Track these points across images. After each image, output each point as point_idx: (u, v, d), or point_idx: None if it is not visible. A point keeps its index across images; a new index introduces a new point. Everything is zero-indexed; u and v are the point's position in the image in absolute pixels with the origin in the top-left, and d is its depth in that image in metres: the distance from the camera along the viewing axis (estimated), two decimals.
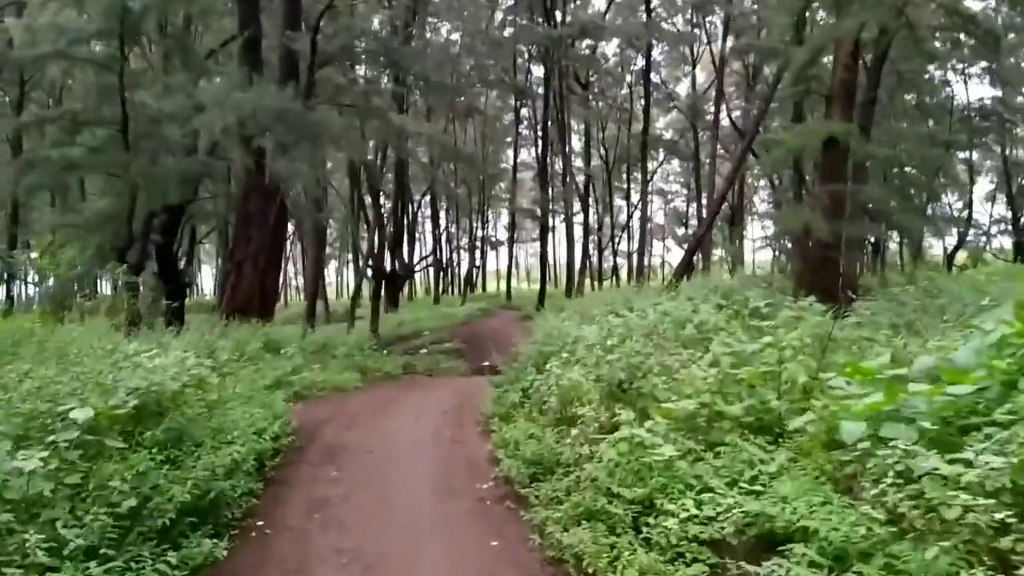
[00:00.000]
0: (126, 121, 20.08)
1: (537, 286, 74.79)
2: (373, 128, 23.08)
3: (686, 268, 27.11)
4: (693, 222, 62.54)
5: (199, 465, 6.31)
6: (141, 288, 18.93)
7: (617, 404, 7.18)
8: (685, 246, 58.10)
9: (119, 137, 20.10)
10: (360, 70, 27.80)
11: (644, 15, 32.95)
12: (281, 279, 67.71)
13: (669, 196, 63.84)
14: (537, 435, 7.99)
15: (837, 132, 14.11)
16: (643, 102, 51.30)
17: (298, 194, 19.78)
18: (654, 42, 33.95)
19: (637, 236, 64.67)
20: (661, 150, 56.55)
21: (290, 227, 59.16)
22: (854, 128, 15.27)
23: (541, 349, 11.46)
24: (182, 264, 25.15)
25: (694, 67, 47.13)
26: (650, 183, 58.94)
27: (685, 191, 61.39)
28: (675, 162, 61.87)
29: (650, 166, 58.90)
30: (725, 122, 54.91)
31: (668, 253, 69.79)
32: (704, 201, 48.53)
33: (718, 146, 40.30)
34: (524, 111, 49.37)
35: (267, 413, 9.00)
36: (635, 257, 63.05)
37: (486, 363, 24.55)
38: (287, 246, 66.85)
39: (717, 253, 55.01)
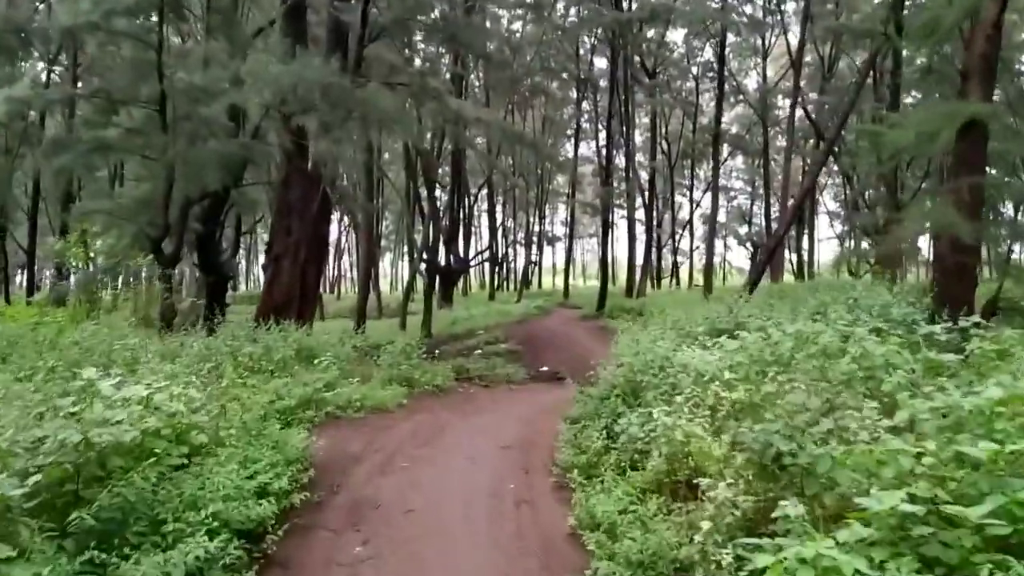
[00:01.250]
0: (164, 100, 18.10)
1: (595, 283, 72.45)
2: (429, 112, 20.71)
3: (761, 271, 24.41)
4: (757, 221, 59.48)
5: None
6: (175, 281, 16.92)
7: (770, 484, 4.74)
8: (748, 245, 55.27)
9: (156, 117, 18.17)
10: (416, 48, 25.44)
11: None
12: (335, 271, 66.22)
13: (732, 193, 60.61)
14: (639, 511, 5.56)
15: (981, 113, 11.46)
16: (712, 93, 48.59)
17: (344, 181, 17.48)
18: (727, 29, 30.97)
19: (702, 233, 62.19)
20: (726, 146, 53.61)
21: (345, 219, 57.66)
22: (999, 109, 12.65)
23: (630, 376, 8.93)
24: (225, 256, 23.14)
25: (765, 59, 44.10)
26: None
27: (749, 188, 58.16)
28: (739, 159, 58.85)
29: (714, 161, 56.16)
30: (796, 116, 52.13)
31: (729, 252, 66.76)
32: (773, 200, 45.60)
33: (794, 140, 37.17)
34: (585, 104, 46.82)
35: (276, 457, 6.71)
36: (698, 256, 60.30)
37: (544, 368, 22.19)
38: (341, 237, 65.70)
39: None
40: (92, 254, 21.18)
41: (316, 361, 11.57)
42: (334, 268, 63.91)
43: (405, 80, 17.66)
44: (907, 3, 21.07)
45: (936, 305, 10.84)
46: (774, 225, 50.48)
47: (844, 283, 27.14)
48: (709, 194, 57.58)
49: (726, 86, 48.16)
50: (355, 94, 14.34)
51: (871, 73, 38.28)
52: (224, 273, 20.90)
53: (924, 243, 45.14)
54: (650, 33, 40.03)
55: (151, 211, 18.87)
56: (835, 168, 46.06)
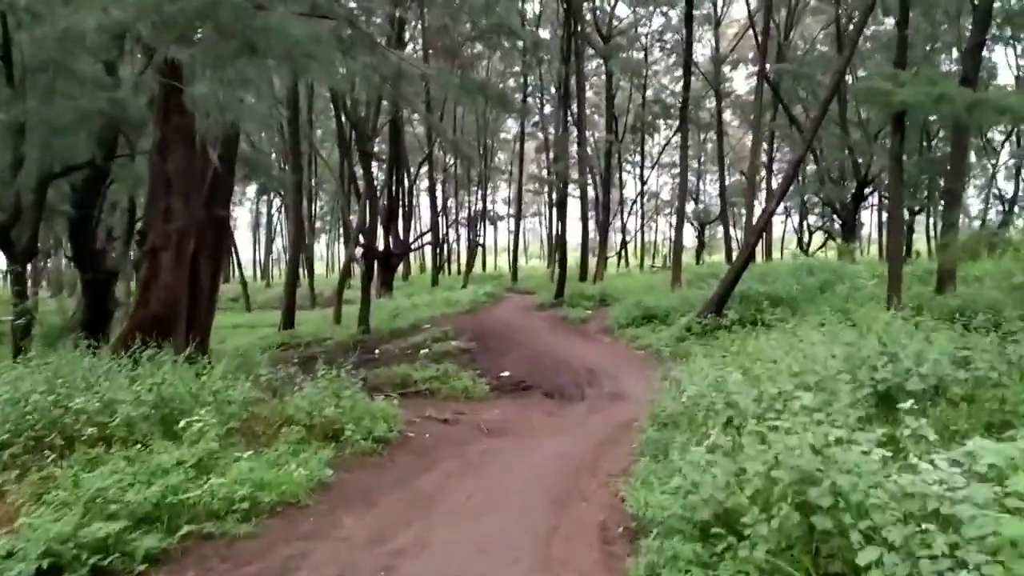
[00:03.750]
0: (7, 43, 13.08)
1: (539, 263, 68.08)
2: (363, 68, 15.91)
3: (751, 253, 20.32)
4: (708, 198, 55.90)
5: None
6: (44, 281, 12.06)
7: None
8: (695, 223, 51.45)
9: None
10: None
11: None
12: (265, 254, 59.82)
13: (676, 169, 56.72)
14: None
15: None
16: (663, 63, 44.58)
17: (243, 143, 12.59)
18: None
19: (650, 211, 58.07)
20: (664, 120, 49.69)
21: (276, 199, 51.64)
22: None
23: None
24: (111, 248, 18.07)
25: (717, 27, 40.11)
26: (661, 155, 52.31)
27: (695, 164, 54.42)
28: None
29: (660, 137, 52.29)
30: (741, 89, 48.37)
31: (671, 230, 63.04)
32: (727, 173, 41.86)
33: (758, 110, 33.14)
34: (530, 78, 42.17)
35: None
36: (651, 235, 56.18)
37: (505, 373, 17.75)
38: (274, 217, 59.45)
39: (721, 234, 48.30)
40: None
41: (184, 424, 6.86)
42: (265, 251, 58.17)
43: (328, 14, 12.88)
44: None
45: None
46: (734, 199, 46.89)
47: (839, 265, 23.35)
48: (656, 171, 53.83)
49: (674, 57, 44.27)
50: (254, 17, 9.56)
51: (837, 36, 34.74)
52: (106, 269, 15.84)
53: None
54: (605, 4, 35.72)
55: None
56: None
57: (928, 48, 32.03)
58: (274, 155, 41.40)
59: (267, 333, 25.18)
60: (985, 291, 18.75)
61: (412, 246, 41.58)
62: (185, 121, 10.52)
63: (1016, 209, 39.44)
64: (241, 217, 67.41)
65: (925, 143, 35.36)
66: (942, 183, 36.27)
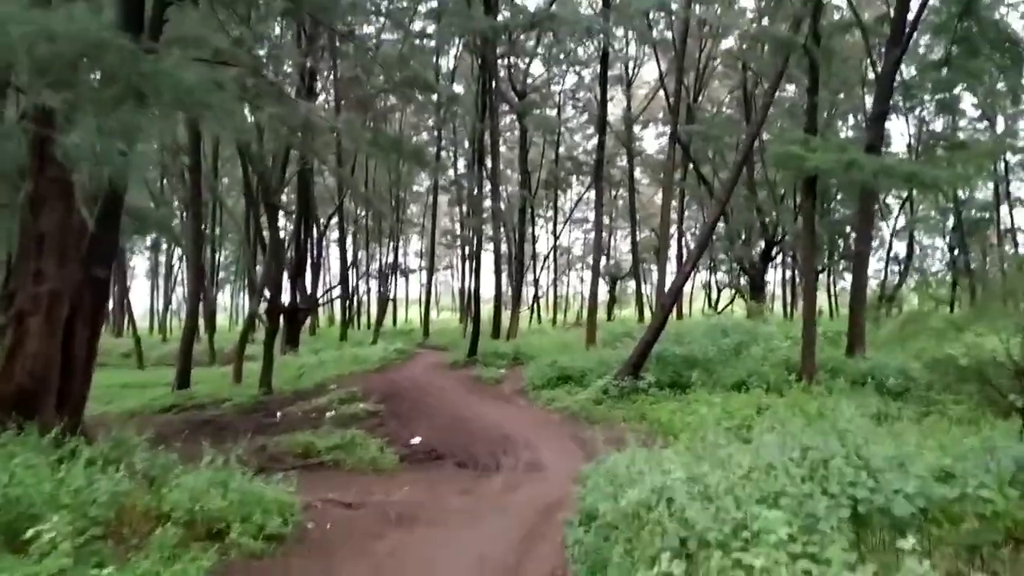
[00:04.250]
0: None
1: (450, 315, 67.05)
2: (269, 119, 15.04)
3: (667, 313, 20.00)
4: (619, 253, 56.31)
5: None
6: None
7: None
8: (606, 279, 51.55)
9: None
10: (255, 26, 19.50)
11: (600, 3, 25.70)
12: (164, 304, 56.47)
13: (588, 225, 57.01)
14: None
15: None
16: (576, 120, 44.94)
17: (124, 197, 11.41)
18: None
19: (562, 265, 58.11)
20: (577, 176, 50.05)
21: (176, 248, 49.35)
22: None
23: None
24: None
25: (629, 87, 40.65)
26: (574, 211, 52.53)
27: (607, 220, 54.81)
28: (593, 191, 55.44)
29: (572, 192, 52.58)
30: (650, 148, 49.24)
31: (583, 285, 63.33)
32: (638, 229, 42.11)
33: (667, 169, 33.37)
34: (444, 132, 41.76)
35: None
36: (562, 289, 55.85)
37: (416, 439, 16.73)
38: (170, 268, 56.45)
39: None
40: None
41: (32, 534, 5.72)
42: (163, 301, 55.48)
43: (232, 62, 12.00)
44: None
45: None
46: (644, 255, 47.23)
47: (753, 326, 23.26)
48: (568, 227, 53.98)
49: (587, 115, 44.69)
50: (143, 62, 8.60)
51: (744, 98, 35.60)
52: None
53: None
54: (520, 62, 35.67)
55: None
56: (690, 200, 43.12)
57: (825, 115, 33.03)
58: (176, 203, 39.63)
59: (159, 394, 23.49)
60: (893, 353, 18.90)
61: (320, 300, 40.15)
62: (62, 173, 9.40)
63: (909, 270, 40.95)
64: (139, 265, 64.48)
65: (825, 205, 36.33)
66: (841, 244, 37.38)
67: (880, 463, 4.52)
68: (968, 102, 34.81)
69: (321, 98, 35.15)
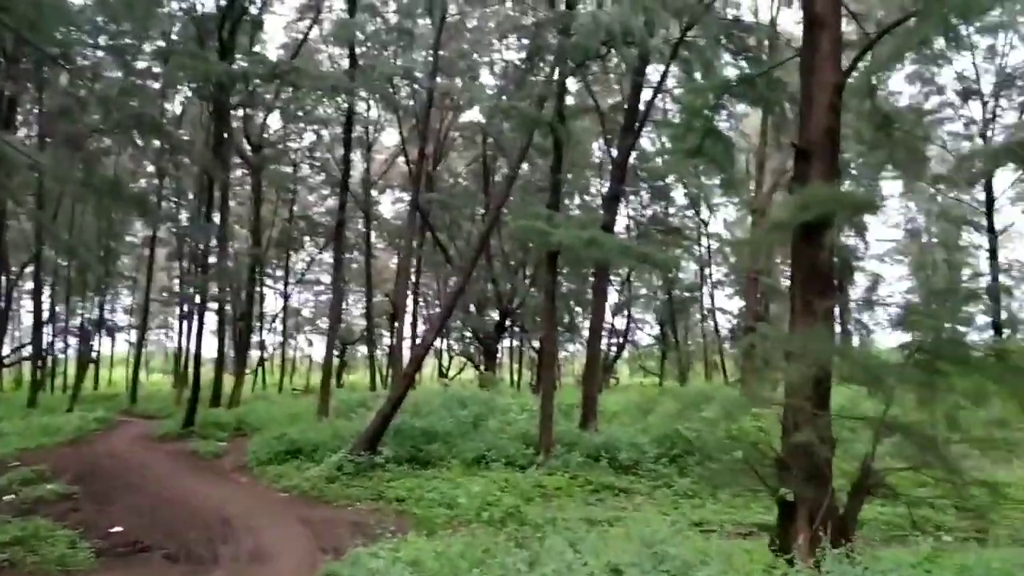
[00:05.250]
0: None
1: (161, 376, 61.38)
2: None
3: (409, 383, 19.24)
4: (350, 317, 54.97)
5: None
6: None
7: None
8: (338, 342, 49.96)
9: None
10: None
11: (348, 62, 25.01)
12: None
13: (321, 287, 55.08)
14: None
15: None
16: (316, 179, 43.71)
17: None
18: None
19: (291, 327, 55.50)
20: (309, 237, 48.69)
21: None
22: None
23: None
24: None
25: (369, 150, 40.18)
26: (306, 272, 50.74)
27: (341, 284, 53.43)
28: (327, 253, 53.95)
29: (305, 253, 50.91)
30: (387, 213, 49.00)
31: (311, 348, 61.04)
32: (375, 293, 41.33)
33: (405, 235, 32.96)
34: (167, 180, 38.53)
35: None
36: (290, 352, 53.09)
37: (117, 529, 14.39)
38: None
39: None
40: None
41: None
42: None
43: None
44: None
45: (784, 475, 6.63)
46: (376, 320, 46.29)
47: (490, 398, 23.11)
48: (299, 288, 51.96)
49: (324, 175, 43.61)
50: None
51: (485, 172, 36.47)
52: None
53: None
54: (257, 114, 33.94)
55: None
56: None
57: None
58: None
59: None
60: (623, 427, 19.60)
61: (6, 360, 34.59)
62: None
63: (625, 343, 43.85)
64: None
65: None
66: (567, 317, 39.14)
67: None
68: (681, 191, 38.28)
69: (23, 132, 31.11)
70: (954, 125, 33.13)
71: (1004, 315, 28.85)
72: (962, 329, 8.36)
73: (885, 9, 17.89)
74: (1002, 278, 32.52)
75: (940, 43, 9.01)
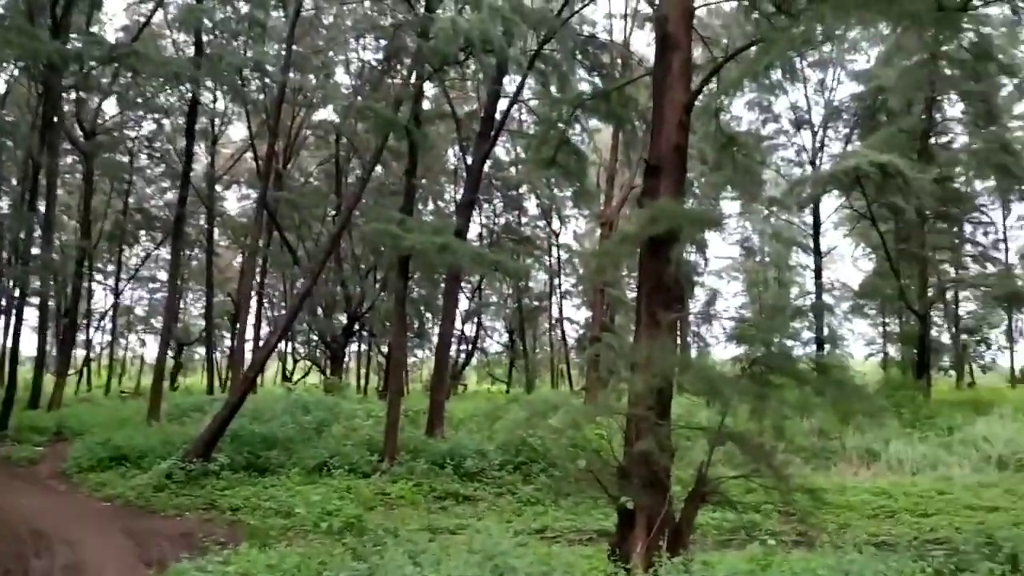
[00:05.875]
0: None
1: None
2: None
3: (248, 388, 18.42)
4: (188, 316, 52.38)
5: None
6: None
7: None
8: (174, 342, 47.45)
9: None
10: None
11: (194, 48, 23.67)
12: None
13: (157, 284, 51.99)
14: None
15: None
16: (154, 170, 41.44)
17: None
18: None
19: (120, 326, 52.10)
20: (147, 231, 46.05)
21: None
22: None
23: None
24: None
25: (214, 143, 38.35)
26: (140, 268, 47.90)
27: (179, 281, 50.76)
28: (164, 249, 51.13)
29: (140, 248, 48.12)
30: (232, 209, 46.99)
31: (145, 349, 57.74)
32: (216, 292, 39.50)
33: (251, 233, 31.59)
34: None
35: None
36: (120, 351, 49.78)
37: None
38: None
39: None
40: None
41: None
42: None
43: None
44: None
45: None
46: (216, 321, 44.28)
47: (335, 403, 22.46)
48: (132, 284, 48.97)
49: (163, 167, 41.37)
50: None
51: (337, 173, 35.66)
52: None
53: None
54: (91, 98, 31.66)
55: None
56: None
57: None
58: None
59: None
60: (469, 434, 19.58)
61: None
62: None
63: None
64: None
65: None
66: (416, 323, 38.87)
67: None
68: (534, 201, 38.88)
69: None
70: (787, 152, 35.66)
71: (826, 331, 30.99)
72: (790, 344, 8.83)
73: (732, 36, 18.84)
74: (825, 296, 35.05)
75: (778, 74, 9.50)
